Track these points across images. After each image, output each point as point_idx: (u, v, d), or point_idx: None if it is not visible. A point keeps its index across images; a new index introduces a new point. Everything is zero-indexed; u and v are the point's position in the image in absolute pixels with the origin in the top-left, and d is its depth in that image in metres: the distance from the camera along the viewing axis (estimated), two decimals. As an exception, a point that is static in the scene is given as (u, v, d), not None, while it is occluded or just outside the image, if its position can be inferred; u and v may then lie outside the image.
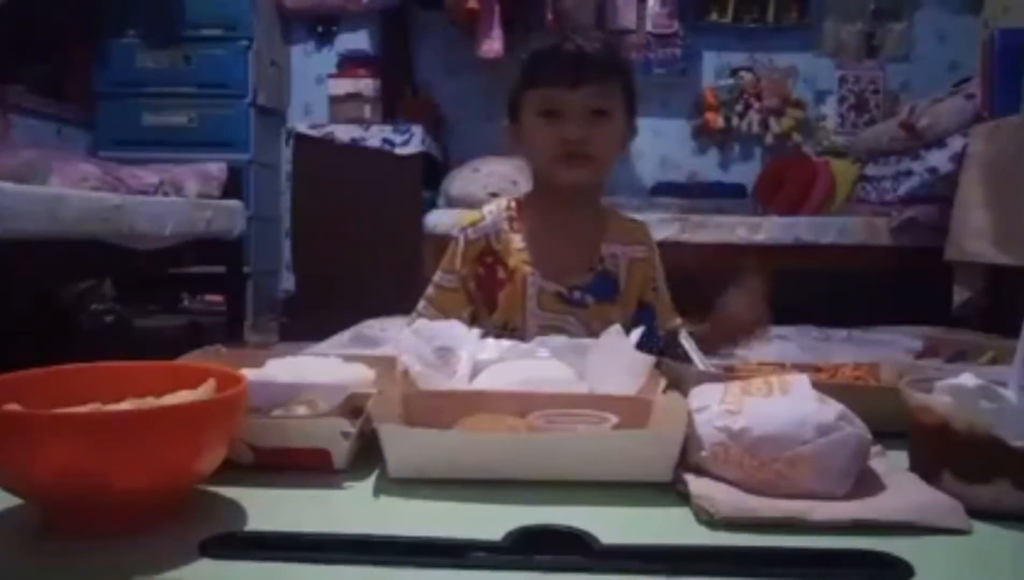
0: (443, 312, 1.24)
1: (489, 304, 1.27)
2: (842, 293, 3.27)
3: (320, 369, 0.87)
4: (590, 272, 1.28)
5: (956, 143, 2.92)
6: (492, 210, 1.31)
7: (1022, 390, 0.66)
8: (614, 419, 0.76)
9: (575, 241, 1.29)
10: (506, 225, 1.29)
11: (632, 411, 0.77)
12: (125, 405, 0.65)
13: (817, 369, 0.98)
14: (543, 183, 1.30)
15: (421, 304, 1.29)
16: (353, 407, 0.76)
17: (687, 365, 0.97)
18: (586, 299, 1.26)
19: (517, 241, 1.27)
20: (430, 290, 1.30)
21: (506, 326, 1.24)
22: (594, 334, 1.17)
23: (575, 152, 1.20)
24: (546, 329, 1.17)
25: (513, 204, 1.32)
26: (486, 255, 1.27)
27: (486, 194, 3.38)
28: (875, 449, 0.72)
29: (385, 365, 0.91)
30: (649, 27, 4.10)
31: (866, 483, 0.68)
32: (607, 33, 4.02)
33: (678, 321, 1.32)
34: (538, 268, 1.25)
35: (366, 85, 3.75)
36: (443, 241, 3.50)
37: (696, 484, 0.66)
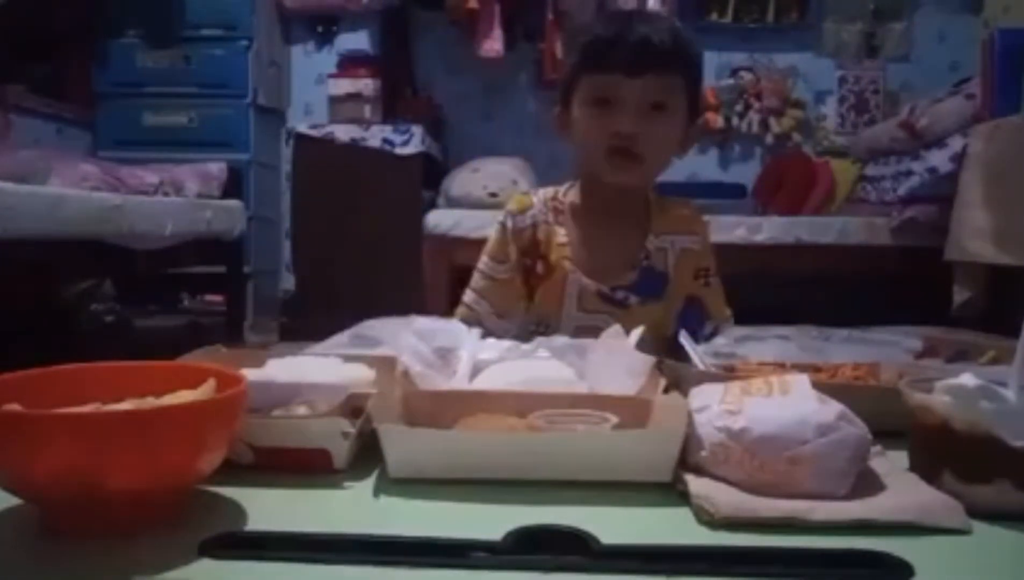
0: (499, 305, 1.19)
1: (526, 299, 1.22)
2: (842, 293, 3.27)
3: (320, 369, 0.87)
4: (634, 270, 1.21)
5: (956, 143, 2.92)
6: (540, 197, 1.24)
7: (1022, 390, 0.66)
8: (614, 419, 0.75)
9: (620, 237, 1.22)
10: (551, 216, 1.22)
11: (632, 411, 0.77)
12: (125, 405, 0.65)
13: (817, 369, 0.98)
14: (588, 178, 1.23)
15: (471, 297, 1.22)
16: (353, 407, 0.76)
17: (687, 365, 0.97)
18: (629, 299, 1.20)
19: (560, 235, 1.21)
20: (480, 282, 1.22)
21: (540, 323, 1.20)
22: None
23: (625, 149, 1.12)
24: (582, 330, 1.10)
25: (559, 194, 1.25)
26: (531, 247, 1.21)
27: (486, 194, 3.39)
28: (875, 449, 0.72)
29: (385, 365, 0.91)
30: (649, 27, 4.10)
31: (866, 483, 0.68)
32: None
33: (728, 313, 1.27)
34: (580, 266, 1.20)
35: (366, 85, 3.76)
36: (443, 241, 3.52)
37: (696, 484, 0.66)
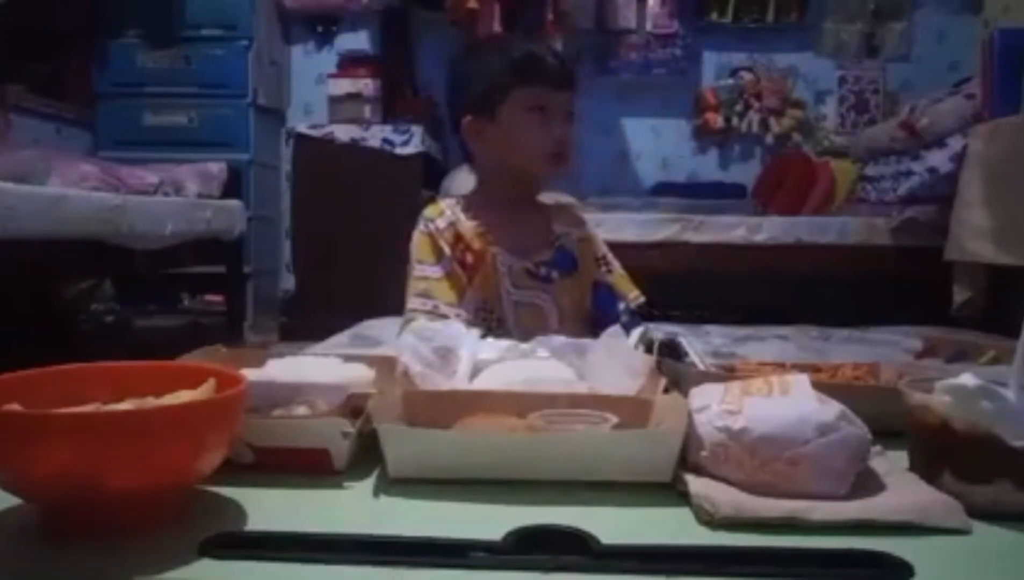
0: (446, 300, 1.26)
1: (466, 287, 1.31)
2: (842, 293, 3.27)
3: (320, 369, 0.87)
4: (551, 248, 1.34)
5: (956, 143, 2.92)
6: (448, 202, 1.37)
7: (1022, 390, 0.66)
8: (614, 419, 0.75)
9: (529, 224, 1.35)
10: (462, 216, 1.33)
11: (632, 411, 0.77)
12: (125, 405, 0.65)
13: (817, 369, 0.98)
14: (511, 176, 1.33)
15: (416, 302, 1.27)
16: (353, 407, 0.76)
17: (687, 365, 0.97)
18: (552, 274, 1.31)
19: (475, 226, 1.31)
20: (420, 286, 1.28)
21: (483, 308, 1.28)
22: (564, 310, 1.29)
23: (561, 152, 1.28)
24: (522, 306, 1.26)
25: (460, 201, 1.37)
26: (456, 242, 1.30)
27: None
28: (875, 449, 0.72)
29: (385, 365, 0.91)
30: (649, 27, 4.10)
31: (866, 483, 0.68)
32: (607, 34, 4.03)
33: (636, 292, 1.37)
34: (503, 246, 1.30)
35: (366, 85, 3.75)
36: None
37: (696, 484, 0.66)
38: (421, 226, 1.33)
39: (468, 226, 1.31)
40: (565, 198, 1.46)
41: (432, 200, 1.43)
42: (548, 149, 1.28)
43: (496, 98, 1.29)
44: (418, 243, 1.32)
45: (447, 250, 1.29)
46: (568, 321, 1.28)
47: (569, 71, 1.32)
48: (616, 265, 1.40)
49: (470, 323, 1.18)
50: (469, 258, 1.29)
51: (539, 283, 1.30)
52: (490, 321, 1.26)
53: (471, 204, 1.35)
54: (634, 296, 1.36)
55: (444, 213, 1.33)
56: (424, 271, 1.30)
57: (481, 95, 1.30)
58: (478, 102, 1.30)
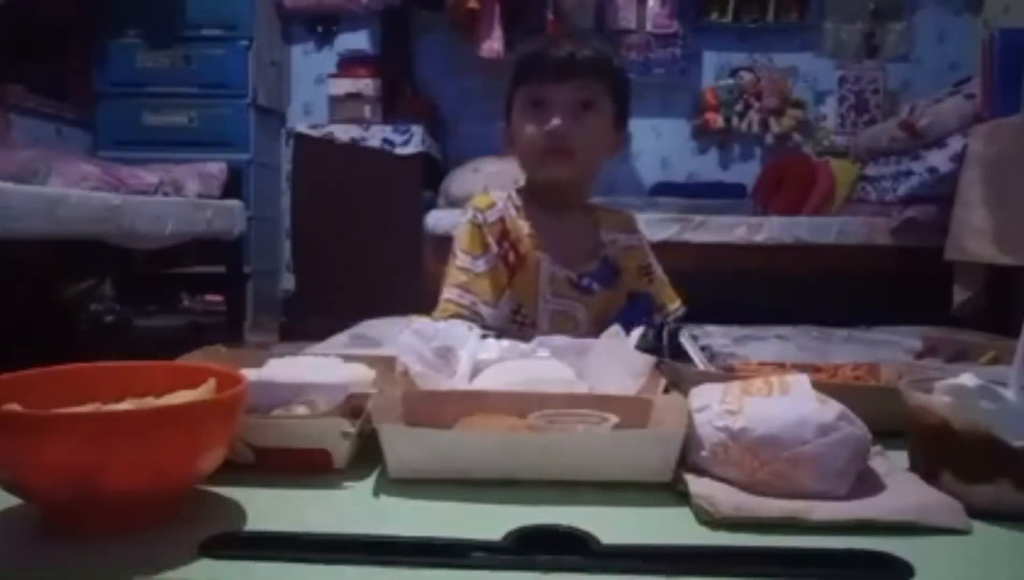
0: (485, 296, 1.23)
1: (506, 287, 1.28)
2: (842, 293, 3.27)
3: (320, 369, 0.87)
4: (595, 258, 1.30)
5: (956, 143, 2.92)
6: (500, 195, 1.32)
7: (1022, 390, 0.66)
8: (614, 419, 0.75)
9: (577, 229, 1.31)
10: (513, 212, 1.29)
11: (632, 411, 0.77)
12: (125, 405, 0.65)
13: (817, 369, 0.98)
14: (530, 178, 1.32)
15: (455, 293, 1.24)
16: (353, 407, 0.76)
17: (687, 365, 0.97)
18: (593, 286, 1.28)
19: (526, 227, 1.28)
20: (461, 277, 1.25)
21: (518, 311, 1.26)
22: (598, 321, 1.23)
23: (557, 146, 1.22)
24: (557, 315, 1.22)
25: (514, 194, 1.33)
26: (503, 238, 1.26)
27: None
28: (875, 449, 0.72)
29: (385, 365, 0.91)
30: (649, 27, 4.10)
31: (866, 483, 0.68)
32: (607, 34, 4.03)
33: (678, 302, 1.34)
34: (549, 253, 1.27)
35: (366, 85, 3.75)
36: (443, 241, 3.51)
37: (696, 484, 0.66)
38: (469, 215, 1.28)
39: (518, 225, 1.27)
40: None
41: (486, 194, 1.36)
42: (542, 143, 1.22)
43: (509, 103, 1.29)
44: (465, 233, 1.27)
45: (493, 245, 1.25)
46: (600, 331, 1.23)
47: (575, 61, 1.23)
48: (658, 272, 1.36)
49: (503, 325, 1.19)
50: (512, 257, 1.26)
51: (578, 293, 1.27)
52: (522, 327, 1.24)
53: (522, 200, 1.31)
54: (674, 307, 1.33)
55: (495, 205, 1.29)
56: (467, 262, 1.25)
57: (506, 106, 1.31)
58: (505, 110, 1.31)
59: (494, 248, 1.25)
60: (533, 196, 1.31)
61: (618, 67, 1.32)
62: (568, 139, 1.22)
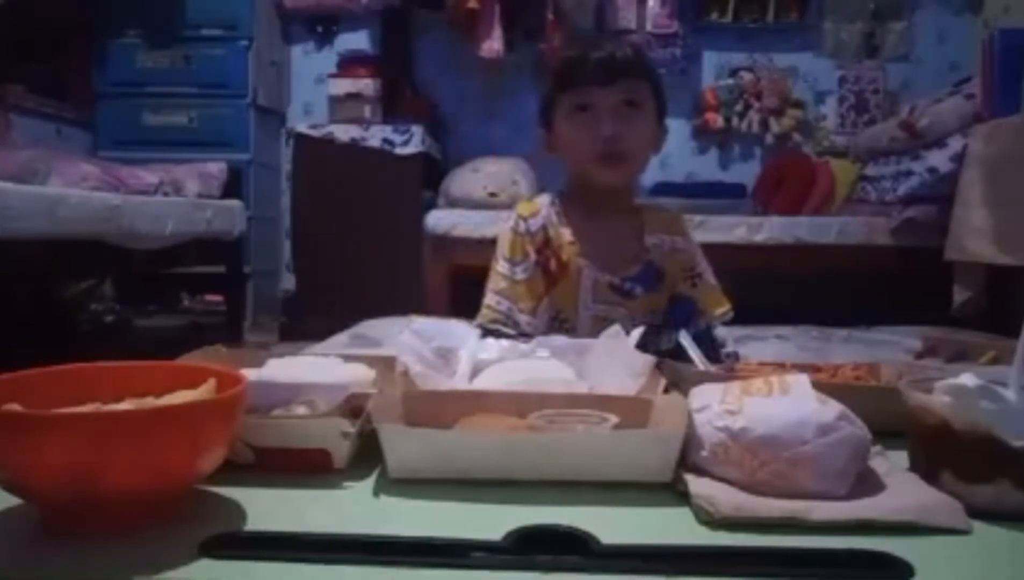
0: (523, 304, 1.25)
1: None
2: (842, 293, 3.27)
3: (320, 369, 0.87)
4: (638, 263, 1.29)
5: (956, 143, 2.92)
6: (544, 201, 1.33)
7: (1022, 390, 0.66)
8: (614, 419, 0.75)
9: (620, 234, 1.31)
10: (555, 219, 1.30)
11: (632, 411, 0.77)
12: (125, 405, 0.65)
13: (817, 369, 0.98)
14: (580, 183, 1.31)
15: (493, 299, 1.27)
16: (353, 407, 0.76)
17: (687, 365, 0.97)
18: (636, 290, 1.28)
19: (567, 234, 1.29)
20: (501, 284, 1.27)
21: (557, 318, 1.27)
22: (638, 323, 1.19)
23: (610, 152, 1.23)
24: (598, 320, 1.21)
25: (556, 200, 1.33)
26: (545, 246, 1.28)
27: (486, 194, 3.39)
28: (875, 449, 0.72)
29: (385, 365, 0.91)
30: (649, 27, 4.09)
31: (866, 483, 0.68)
32: (607, 34, 4.03)
33: (725, 307, 1.33)
34: (591, 260, 1.27)
35: (366, 85, 3.75)
36: (443, 241, 3.52)
37: (696, 484, 0.66)
38: (512, 223, 1.30)
39: (560, 232, 1.29)
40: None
41: (530, 201, 1.37)
42: (595, 150, 1.23)
43: (551, 110, 1.29)
44: (508, 240, 1.30)
45: (532, 254, 1.27)
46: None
47: (618, 64, 1.24)
48: (707, 278, 1.34)
49: (542, 332, 1.19)
50: (554, 266, 1.27)
51: (620, 298, 1.27)
52: (564, 331, 1.23)
53: (567, 205, 1.32)
54: (721, 312, 1.31)
55: (539, 213, 1.30)
56: (507, 269, 1.28)
57: (543, 110, 1.31)
58: (543, 117, 1.32)
59: (533, 256, 1.27)
60: (579, 200, 1.32)
61: (655, 70, 1.35)
62: (621, 143, 1.23)
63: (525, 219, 1.29)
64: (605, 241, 1.29)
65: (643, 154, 1.29)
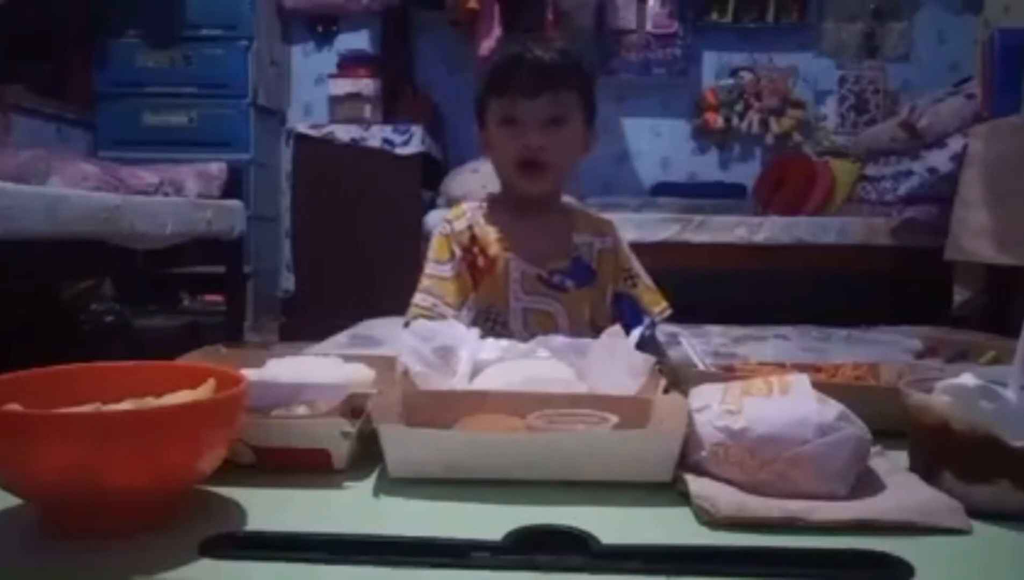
0: (448, 298, 1.28)
1: (472, 290, 1.31)
2: (842, 293, 3.27)
3: (320, 369, 0.87)
4: (566, 258, 1.32)
5: (956, 143, 2.93)
6: (471, 205, 1.37)
7: (1022, 390, 0.66)
8: (614, 419, 0.75)
9: (548, 230, 1.33)
10: (482, 220, 1.34)
11: (632, 411, 0.77)
12: (125, 405, 0.65)
13: (817, 369, 0.98)
14: (506, 187, 1.35)
15: (419, 297, 1.30)
16: (353, 407, 0.76)
17: (687, 365, 0.97)
18: (566, 283, 1.30)
19: (494, 233, 1.32)
20: (427, 282, 1.31)
21: (489, 311, 1.29)
22: (577, 318, 1.28)
23: (533, 160, 1.26)
24: (530, 312, 1.27)
25: (484, 203, 1.37)
26: (471, 244, 1.31)
27: (486, 194, 3.38)
28: (875, 449, 0.72)
29: (385, 365, 0.91)
30: (649, 27, 4.10)
31: (866, 483, 0.68)
32: (607, 34, 4.03)
33: (663, 305, 1.35)
34: (518, 253, 1.30)
35: (366, 85, 3.75)
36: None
37: (696, 484, 0.66)
38: (440, 227, 1.35)
39: (486, 230, 1.32)
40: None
41: (457, 206, 1.41)
42: (518, 158, 1.26)
43: (482, 110, 1.32)
44: (434, 243, 1.34)
45: (458, 251, 1.31)
46: (582, 330, 1.25)
47: (546, 75, 1.25)
48: (643, 279, 1.37)
49: (469, 326, 1.20)
50: (481, 262, 1.30)
51: (551, 290, 1.30)
52: (494, 326, 1.27)
53: (493, 207, 1.36)
54: (659, 310, 1.34)
55: (464, 215, 1.35)
56: (433, 269, 1.32)
57: (477, 112, 1.34)
58: (476, 115, 1.34)
59: (459, 253, 1.31)
60: (508, 200, 1.35)
61: (584, 68, 1.35)
62: (542, 154, 1.26)
63: (451, 222, 1.34)
64: (532, 236, 1.31)
65: (567, 163, 1.31)
